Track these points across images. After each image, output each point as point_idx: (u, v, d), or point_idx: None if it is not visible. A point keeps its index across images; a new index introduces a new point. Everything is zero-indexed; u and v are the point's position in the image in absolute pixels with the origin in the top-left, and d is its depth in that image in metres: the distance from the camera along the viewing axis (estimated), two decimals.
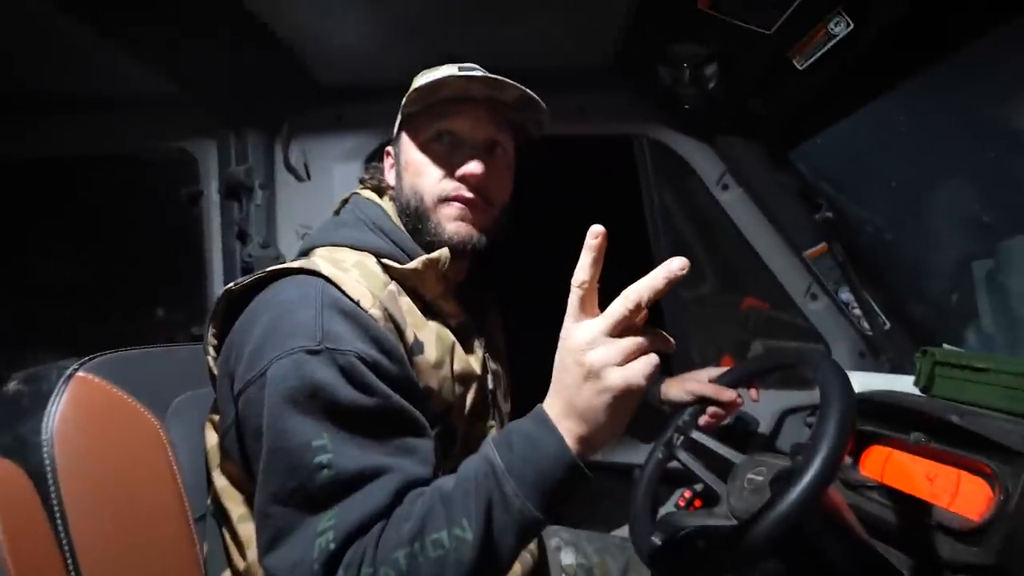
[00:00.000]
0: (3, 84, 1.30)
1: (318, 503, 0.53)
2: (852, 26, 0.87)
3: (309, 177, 1.39)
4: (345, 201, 0.84)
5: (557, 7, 1.05)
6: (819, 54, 0.94)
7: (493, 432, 0.85)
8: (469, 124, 0.75)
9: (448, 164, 0.74)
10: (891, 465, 0.87)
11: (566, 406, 0.50)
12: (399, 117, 0.79)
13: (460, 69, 0.76)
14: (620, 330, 0.48)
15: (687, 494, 1.13)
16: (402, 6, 1.05)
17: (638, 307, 0.48)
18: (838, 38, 0.90)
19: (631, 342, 0.49)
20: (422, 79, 0.76)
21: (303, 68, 1.27)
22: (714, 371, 1.00)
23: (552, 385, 0.52)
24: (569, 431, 0.50)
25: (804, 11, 0.89)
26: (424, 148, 0.76)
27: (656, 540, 0.90)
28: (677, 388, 1.01)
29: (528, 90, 0.73)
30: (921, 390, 0.94)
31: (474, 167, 0.72)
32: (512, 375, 0.96)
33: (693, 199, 1.41)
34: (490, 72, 0.82)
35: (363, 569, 0.50)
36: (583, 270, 0.49)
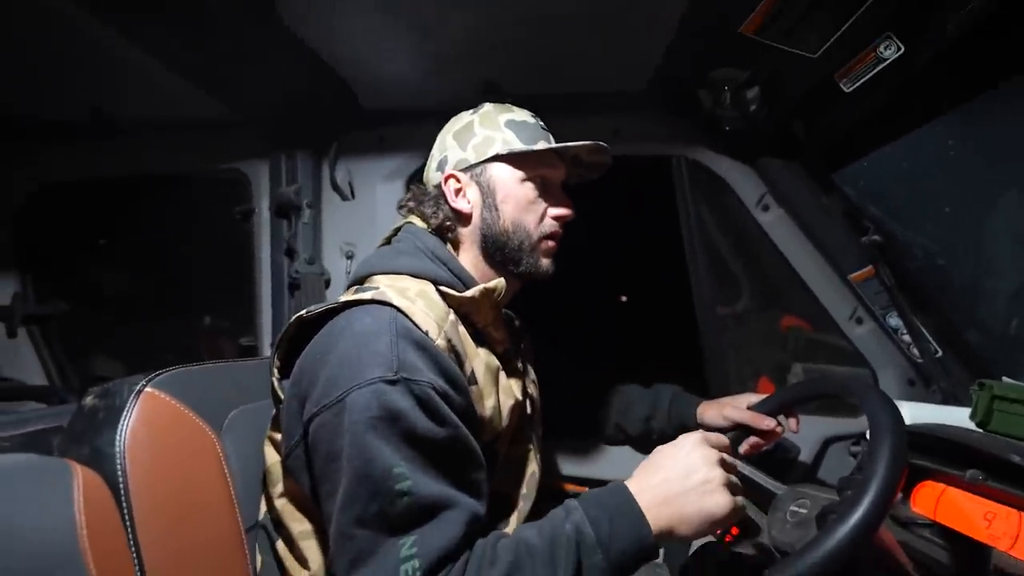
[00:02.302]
0: (75, 110, 1.40)
1: (398, 527, 0.56)
2: (903, 50, 0.86)
3: (353, 196, 1.44)
4: (397, 230, 0.87)
5: (596, 35, 1.07)
6: (867, 77, 0.93)
7: (531, 454, 0.86)
8: (559, 172, 0.87)
9: (546, 204, 0.84)
10: (945, 502, 0.83)
11: (663, 499, 0.59)
12: (482, 149, 0.82)
13: (536, 119, 0.87)
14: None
15: (727, 539, 1.10)
16: (445, 36, 1.09)
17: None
18: (888, 61, 0.88)
19: (737, 482, 0.61)
20: (507, 116, 0.84)
21: (350, 93, 1.33)
22: (753, 397, 0.98)
23: (651, 469, 0.61)
24: (657, 520, 0.58)
25: (852, 35, 0.88)
26: (526, 187, 0.83)
27: (693, 568, 0.88)
28: (714, 413, 1.00)
29: (608, 161, 0.88)
30: (978, 425, 0.89)
31: (569, 209, 0.85)
32: (543, 396, 0.97)
33: (731, 219, 1.39)
34: (530, 95, 0.92)
35: None
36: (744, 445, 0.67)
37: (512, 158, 0.82)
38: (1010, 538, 0.73)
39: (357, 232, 1.43)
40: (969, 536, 0.77)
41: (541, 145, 0.81)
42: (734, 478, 0.60)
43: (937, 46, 0.84)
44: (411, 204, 0.87)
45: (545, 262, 0.84)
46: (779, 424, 0.95)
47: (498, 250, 0.81)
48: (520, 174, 0.82)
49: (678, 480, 0.58)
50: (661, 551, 1.01)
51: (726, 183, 1.30)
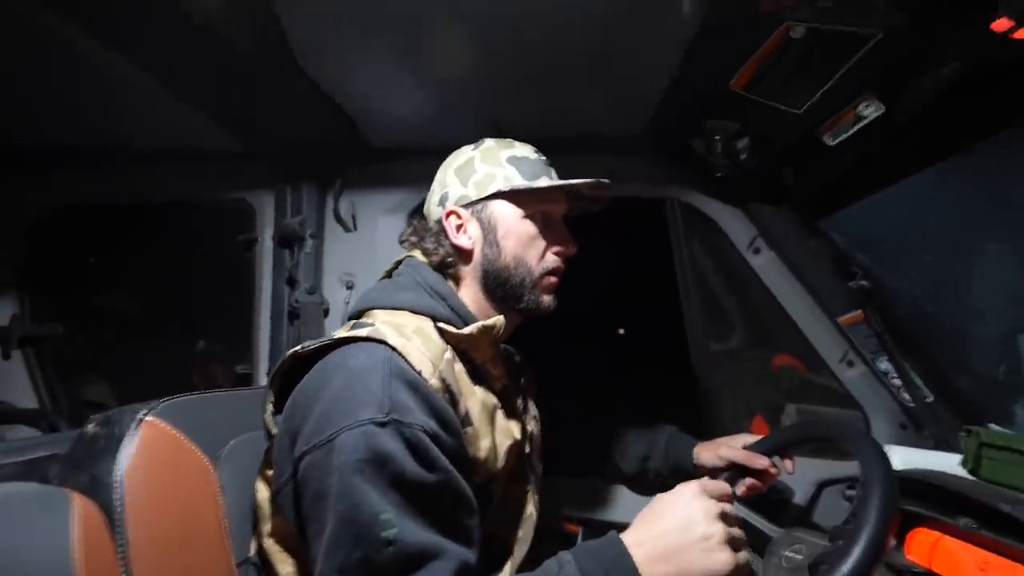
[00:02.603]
0: (88, 138, 1.44)
1: (382, 575, 0.55)
2: (883, 110, 0.91)
3: (356, 228, 1.47)
4: (398, 263, 0.87)
5: (594, 84, 1.12)
6: (848, 133, 0.98)
7: (529, 496, 0.85)
8: (562, 207, 0.88)
9: (547, 240, 0.85)
10: (940, 551, 0.83)
11: (661, 554, 0.57)
12: (484, 185, 0.83)
13: (538, 154, 0.88)
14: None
15: None
16: (449, 81, 1.14)
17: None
18: (868, 120, 0.94)
19: (743, 538, 0.59)
20: (509, 152, 0.86)
21: (356, 130, 1.37)
22: (749, 438, 0.99)
23: (649, 519, 0.60)
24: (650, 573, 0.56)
25: (834, 93, 0.94)
26: (528, 222, 0.84)
27: None
28: (709, 453, 1.00)
29: (609, 197, 0.91)
30: (969, 472, 0.90)
31: (573, 247, 0.87)
32: (545, 435, 0.97)
33: (723, 259, 1.43)
34: (528, 138, 0.93)
35: None
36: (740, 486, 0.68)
37: (513, 195, 0.82)
38: None
39: (357, 263, 1.45)
40: None
41: (543, 182, 0.82)
42: (737, 531, 0.58)
43: (916, 106, 0.90)
44: (413, 239, 0.88)
45: (546, 298, 0.84)
46: (774, 465, 0.95)
47: (499, 286, 0.81)
48: (521, 211, 0.82)
49: (677, 534, 0.57)
50: None
51: (718, 226, 1.34)
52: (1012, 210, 1.05)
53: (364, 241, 1.47)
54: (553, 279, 0.85)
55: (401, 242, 0.91)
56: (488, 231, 0.82)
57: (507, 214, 0.82)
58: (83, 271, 1.86)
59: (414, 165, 1.45)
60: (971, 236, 1.11)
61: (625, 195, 1.41)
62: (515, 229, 0.82)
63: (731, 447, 0.97)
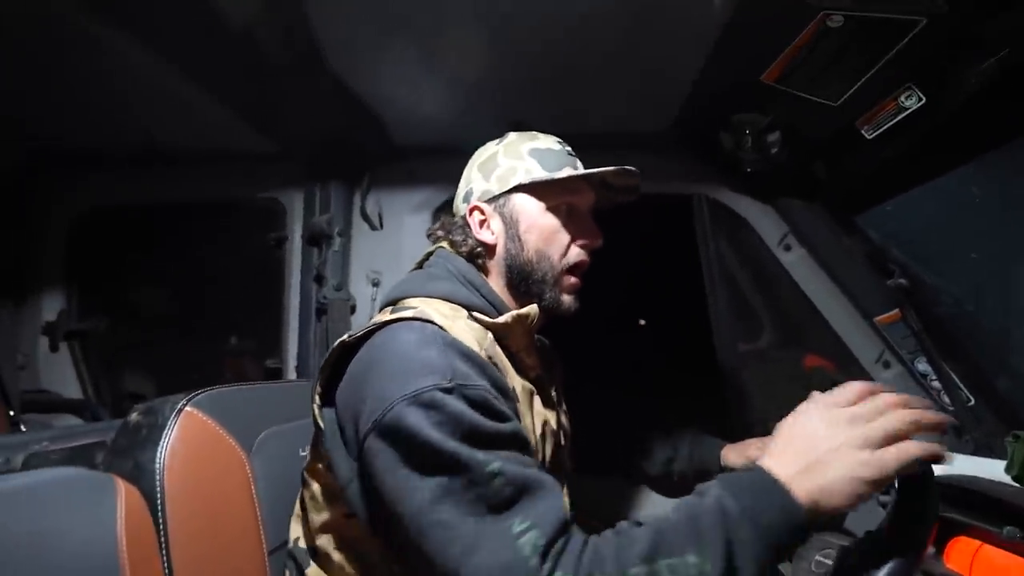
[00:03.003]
0: (125, 137, 1.50)
1: (501, 507, 0.55)
2: (924, 100, 0.88)
3: (382, 226, 1.50)
4: (429, 254, 0.87)
5: (618, 81, 1.11)
6: (888, 125, 0.95)
7: (564, 489, 0.85)
8: (587, 199, 0.85)
9: (571, 233, 0.82)
10: (980, 560, 0.80)
11: (805, 468, 0.52)
12: (506, 178, 0.82)
13: (563, 146, 0.86)
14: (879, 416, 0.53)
15: None
16: (474, 78, 1.15)
17: (917, 425, 0.53)
18: (909, 111, 0.90)
19: (895, 420, 0.52)
20: (531, 145, 0.85)
21: (383, 129, 1.40)
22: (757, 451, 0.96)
23: (783, 445, 0.55)
24: (802, 493, 0.51)
25: (873, 84, 0.90)
26: (548, 215, 0.81)
27: None
28: (737, 455, 0.99)
29: (639, 184, 0.86)
30: (1014, 478, 0.86)
31: (598, 240, 0.84)
32: (574, 431, 0.96)
33: (752, 257, 1.40)
34: (553, 134, 0.90)
35: (581, 571, 0.51)
36: (872, 393, 0.56)
37: (535, 187, 0.81)
38: None
39: (384, 261, 1.48)
40: None
41: (565, 172, 0.80)
42: (886, 421, 0.51)
43: (959, 97, 0.86)
44: (440, 233, 0.88)
45: (567, 299, 0.82)
46: None
47: (522, 281, 0.80)
48: (543, 204, 0.81)
49: (817, 450, 0.52)
50: None
51: (747, 222, 1.31)
52: None
53: (390, 239, 1.49)
54: (574, 280, 0.83)
55: (428, 236, 0.91)
56: (510, 225, 0.81)
57: (529, 207, 0.81)
58: (123, 269, 1.94)
59: (439, 164, 1.47)
60: (1012, 233, 1.05)
61: (652, 192, 1.40)
62: (537, 223, 0.80)
63: (759, 448, 0.95)
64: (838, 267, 1.21)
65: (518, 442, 0.62)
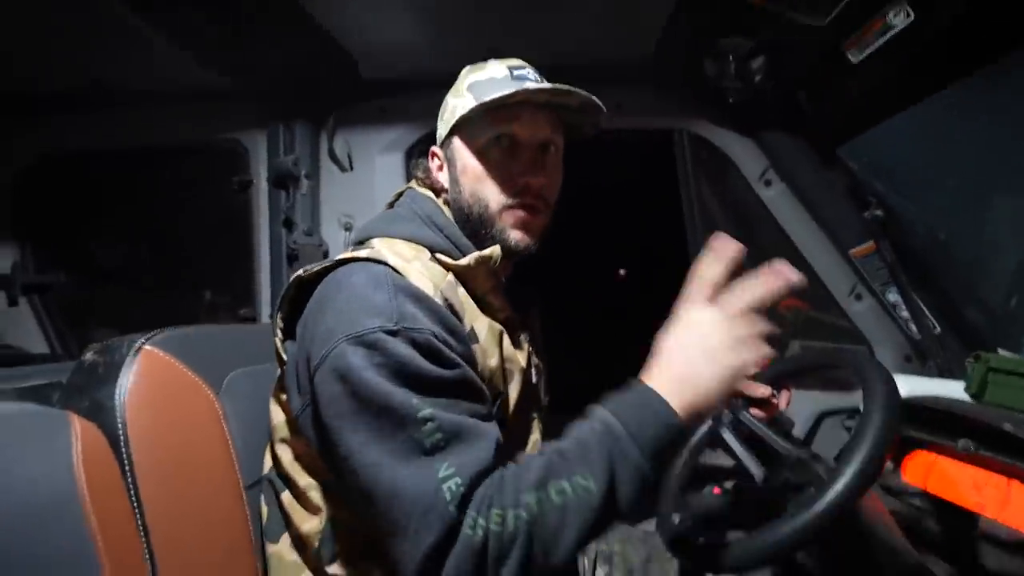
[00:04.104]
0: (75, 80, 1.39)
1: (429, 452, 0.56)
2: (913, 17, 0.84)
3: (352, 168, 1.43)
4: (400, 194, 0.85)
5: (599, 2, 1.04)
6: (875, 46, 0.91)
7: (536, 424, 0.86)
8: (528, 128, 0.75)
9: (509, 170, 0.75)
10: (935, 472, 0.85)
11: (677, 378, 0.56)
12: (450, 120, 0.77)
13: (511, 69, 0.77)
14: (741, 316, 0.54)
15: (716, 491, 1.12)
16: (444, 4, 1.07)
17: (758, 305, 0.54)
18: (897, 30, 0.87)
19: (751, 328, 0.54)
20: (473, 77, 0.78)
21: (349, 62, 1.31)
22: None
23: (658, 360, 0.58)
24: (678, 401, 0.55)
25: (861, 2, 0.86)
26: (483, 153, 0.75)
27: (682, 526, 0.89)
28: None
29: (592, 96, 0.73)
30: (972, 396, 0.90)
31: (538, 178, 0.75)
32: (550, 369, 0.97)
33: (733, 195, 1.38)
34: (529, 64, 0.82)
35: (492, 510, 0.53)
36: (710, 268, 0.56)
37: (466, 125, 0.76)
38: (999, 504, 0.74)
39: (355, 204, 1.42)
40: (958, 504, 0.78)
41: (487, 100, 0.70)
42: (739, 326, 0.54)
43: (949, 12, 0.83)
44: (417, 173, 0.86)
45: (514, 234, 0.75)
46: (774, 395, 0.95)
47: (466, 224, 0.77)
48: (477, 141, 0.75)
49: (685, 359, 0.55)
50: (652, 521, 1.03)
51: (728, 158, 1.28)
52: None
53: (362, 181, 1.43)
54: (520, 213, 0.75)
55: (413, 179, 0.88)
56: (451, 168, 0.79)
57: (460, 147, 0.77)
58: (82, 219, 1.85)
59: (411, 99, 1.39)
60: (990, 161, 1.05)
61: (633, 127, 1.36)
62: (470, 163, 0.76)
63: None
64: (817, 201, 1.21)
65: (461, 388, 0.62)
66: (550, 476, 0.54)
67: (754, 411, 0.95)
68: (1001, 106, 1.02)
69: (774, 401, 0.94)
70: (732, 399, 0.93)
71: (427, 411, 0.56)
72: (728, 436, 0.89)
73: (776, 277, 0.54)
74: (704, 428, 0.94)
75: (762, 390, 0.92)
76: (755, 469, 0.79)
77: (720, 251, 0.56)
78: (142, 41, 1.15)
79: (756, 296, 0.54)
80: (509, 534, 0.52)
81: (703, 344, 0.54)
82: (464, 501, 0.53)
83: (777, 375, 0.95)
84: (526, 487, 0.54)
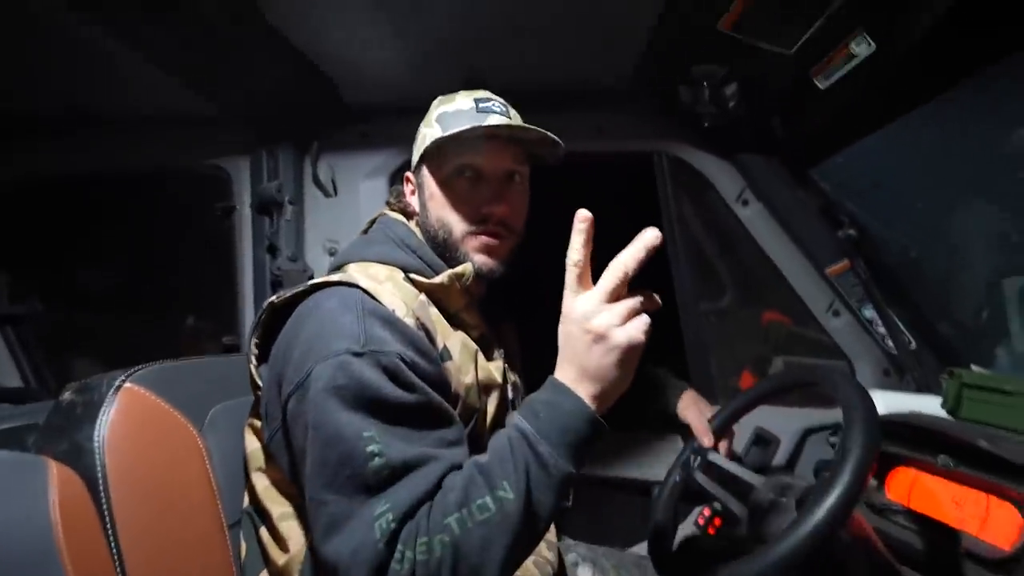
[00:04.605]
0: (52, 104, 1.38)
1: (371, 489, 0.56)
2: (874, 46, 0.88)
3: (336, 193, 1.43)
4: (373, 221, 0.88)
5: (578, 32, 1.07)
6: (840, 73, 0.95)
7: None
8: (491, 160, 0.78)
9: (472, 199, 0.78)
10: (918, 489, 0.86)
11: (578, 371, 0.57)
12: (419, 149, 0.81)
13: (477, 102, 0.79)
14: (614, 297, 0.56)
15: (706, 512, 1.12)
16: (426, 30, 1.09)
17: (625, 276, 0.55)
18: (860, 58, 0.91)
19: (626, 305, 0.56)
20: (441, 109, 0.81)
21: (332, 88, 1.32)
22: (709, 411, 1.00)
23: (560, 356, 0.59)
24: (584, 391, 0.57)
25: (826, 31, 0.90)
26: (447, 182, 0.79)
27: (677, 561, 0.90)
28: (685, 406, 1.03)
29: (548, 133, 0.77)
30: (948, 412, 0.92)
31: (500, 208, 0.77)
32: (528, 385, 0.98)
33: (712, 214, 1.41)
34: (511, 92, 0.87)
35: (418, 540, 0.53)
36: (576, 251, 0.56)
37: (434, 155, 0.79)
38: (979, 521, 0.76)
39: (340, 229, 1.42)
40: (940, 521, 0.79)
41: (446, 135, 0.75)
42: (618, 307, 0.55)
43: (907, 42, 0.87)
44: (391, 200, 0.91)
45: (478, 258, 0.78)
46: (725, 441, 0.97)
47: (435, 247, 0.80)
48: (443, 171, 0.79)
49: (581, 349, 0.56)
50: (645, 544, 1.03)
51: (706, 179, 1.31)
52: (994, 152, 1.04)
53: (346, 206, 1.43)
54: (483, 238, 0.78)
55: (388, 205, 0.92)
56: (421, 194, 0.83)
57: (430, 175, 0.81)
58: (60, 247, 1.81)
59: (394, 124, 1.40)
60: (955, 180, 1.10)
61: (613, 150, 1.38)
62: (436, 191, 0.79)
63: (695, 412, 0.99)
64: (793, 220, 1.24)
65: (423, 413, 0.63)
66: (471, 494, 0.55)
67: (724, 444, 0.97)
68: (969, 126, 1.07)
69: (716, 447, 0.96)
70: (698, 446, 0.96)
71: (376, 446, 0.56)
72: (702, 479, 0.91)
73: (636, 243, 0.55)
74: (676, 477, 0.97)
75: (706, 440, 0.94)
76: (736, 508, 0.81)
77: (580, 231, 0.56)
78: (123, 66, 1.15)
79: (620, 266, 0.55)
80: (435, 561, 0.53)
81: (588, 330, 0.55)
82: (394, 537, 0.53)
83: (760, 395, 0.96)
84: (449, 510, 0.54)
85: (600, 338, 0.55)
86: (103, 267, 1.93)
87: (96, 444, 0.62)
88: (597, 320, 0.55)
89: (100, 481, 0.61)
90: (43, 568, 0.53)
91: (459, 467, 0.60)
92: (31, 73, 1.22)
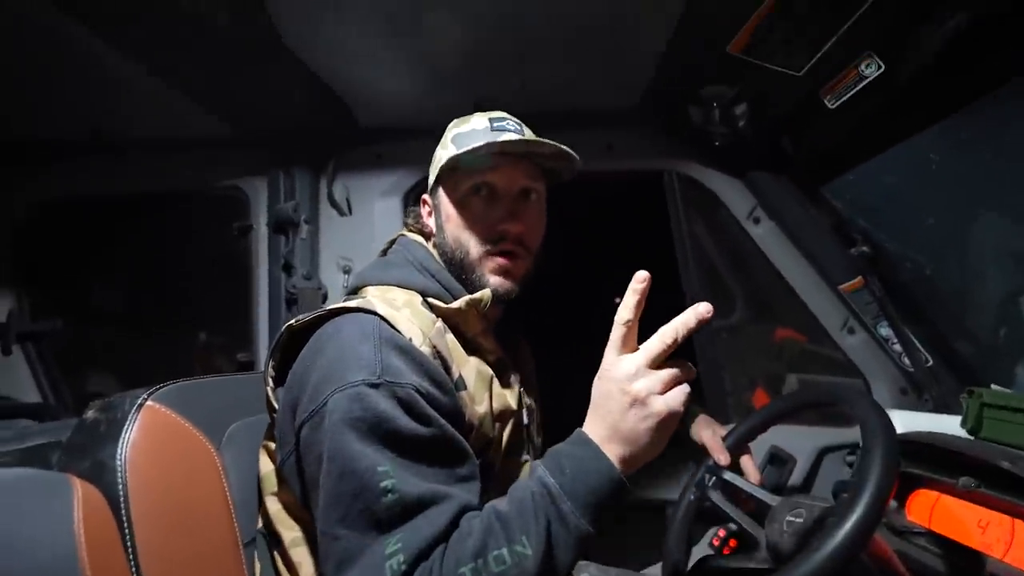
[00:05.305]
0: (73, 129, 1.42)
1: (384, 525, 0.55)
2: (883, 68, 0.89)
3: (351, 212, 1.46)
4: (392, 242, 0.89)
5: (588, 55, 1.10)
6: (850, 94, 0.96)
7: (527, 467, 0.86)
8: (506, 178, 0.79)
9: (488, 218, 0.78)
10: (939, 511, 0.84)
11: (610, 431, 0.56)
12: (435, 171, 0.82)
13: (492, 121, 0.81)
14: (658, 363, 0.55)
15: (721, 533, 1.11)
16: (439, 56, 1.12)
17: (674, 343, 0.55)
18: (869, 79, 0.92)
19: (669, 373, 0.55)
20: (456, 130, 0.82)
21: (347, 111, 1.35)
22: (723, 431, 0.98)
23: (592, 411, 0.58)
24: (614, 453, 0.56)
25: (835, 53, 0.91)
26: (463, 202, 0.79)
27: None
28: (700, 428, 1.02)
29: (562, 146, 0.77)
30: (968, 432, 0.91)
31: (515, 226, 0.77)
32: (543, 409, 0.97)
33: (723, 232, 1.42)
34: (522, 113, 0.88)
35: None
36: (628, 310, 0.56)
37: (449, 175, 0.80)
38: (1004, 544, 0.74)
39: (354, 247, 1.44)
40: (963, 544, 0.78)
41: (460, 152, 0.75)
42: (662, 374, 0.55)
43: (916, 64, 0.88)
44: (408, 221, 0.91)
45: (494, 280, 0.78)
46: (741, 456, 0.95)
47: (452, 268, 0.80)
48: (458, 191, 0.79)
49: (617, 409, 0.55)
50: (659, 567, 1.01)
51: (717, 197, 1.32)
52: (1009, 169, 1.04)
53: (360, 225, 1.46)
54: (499, 260, 0.78)
55: (406, 226, 0.92)
56: (438, 216, 0.83)
57: (445, 196, 0.81)
58: (80, 266, 1.85)
59: (407, 146, 1.43)
60: (970, 197, 1.09)
61: (623, 168, 1.40)
62: (453, 211, 0.80)
63: (709, 432, 0.98)
64: (805, 238, 1.24)
65: (437, 447, 0.62)
66: (488, 544, 0.54)
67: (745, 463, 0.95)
68: (982, 140, 1.07)
69: (744, 465, 0.94)
70: (712, 464, 0.95)
71: (390, 482, 0.56)
72: (717, 498, 0.89)
73: (688, 313, 0.55)
74: (690, 496, 0.95)
75: (723, 458, 0.93)
76: (751, 528, 0.80)
77: (636, 291, 0.55)
78: (142, 90, 1.19)
79: (670, 333, 0.54)
80: None
81: (627, 392, 0.54)
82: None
83: (776, 414, 0.96)
84: (465, 558, 0.54)
85: (639, 403, 0.54)
86: (120, 285, 1.97)
87: (119, 462, 0.63)
88: (638, 384, 0.54)
89: (122, 499, 0.62)
90: None
91: (472, 506, 0.60)
92: (52, 98, 1.26)
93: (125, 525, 0.61)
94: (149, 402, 0.70)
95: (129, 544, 0.61)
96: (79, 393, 1.69)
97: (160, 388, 0.73)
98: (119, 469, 0.63)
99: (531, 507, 0.55)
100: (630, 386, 0.54)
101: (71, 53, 1.03)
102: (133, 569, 0.61)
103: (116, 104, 1.30)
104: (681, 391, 0.55)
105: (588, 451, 0.56)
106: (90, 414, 0.69)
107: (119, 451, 0.64)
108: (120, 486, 0.62)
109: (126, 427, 0.66)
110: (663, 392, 0.54)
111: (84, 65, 1.09)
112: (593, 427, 0.58)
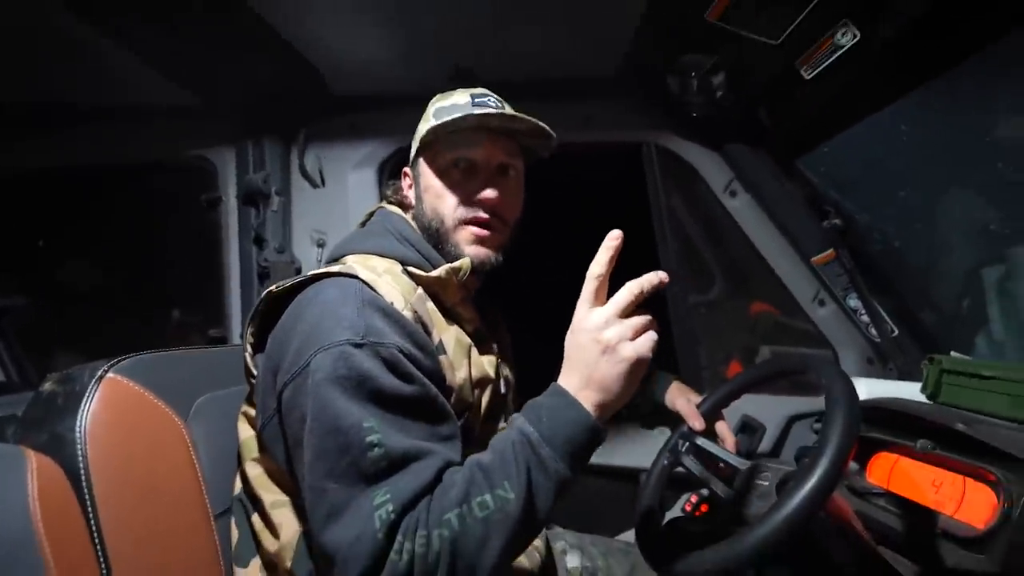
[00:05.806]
0: (33, 97, 1.35)
1: (371, 478, 0.56)
2: (858, 37, 0.89)
3: (324, 184, 1.42)
4: (371, 214, 0.89)
5: (566, 21, 1.07)
6: (826, 64, 0.96)
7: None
8: (484, 152, 0.80)
9: (465, 189, 0.79)
10: (897, 472, 0.88)
11: (584, 380, 0.58)
12: (415, 144, 0.83)
13: (473, 97, 0.81)
14: (626, 314, 0.58)
15: (693, 499, 1.14)
16: (414, 20, 1.08)
17: (640, 295, 0.58)
18: (845, 48, 0.91)
19: (638, 320, 0.59)
20: (438, 104, 0.83)
21: (319, 78, 1.30)
22: (697, 398, 1.00)
23: (566, 364, 0.60)
24: (588, 400, 0.58)
25: (811, 22, 0.91)
26: (442, 174, 0.81)
27: (662, 544, 0.91)
28: (674, 396, 1.03)
29: (539, 122, 0.79)
30: (928, 397, 0.94)
31: (490, 193, 0.78)
32: (519, 379, 0.98)
33: (701, 205, 1.42)
34: (500, 82, 0.87)
35: (418, 532, 0.54)
36: (600, 265, 0.59)
37: (429, 147, 0.82)
38: (955, 502, 0.77)
39: (328, 220, 1.41)
40: (919, 503, 0.81)
41: (438, 124, 0.76)
42: (631, 321, 0.58)
43: (892, 32, 0.87)
44: (388, 192, 0.91)
45: (469, 249, 0.79)
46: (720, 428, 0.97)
47: (430, 238, 0.81)
48: (437, 163, 0.81)
49: (590, 358, 0.58)
50: (632, 532, 1.04)
51: (695, 170, 1.32)
52: (974, 144, 1.06)
53: (334, 197, 1.42)
54: (474, 229, 0.79)
55: (384, 199, 0.92)
56: (417, 187, 0.85)
57: (424, 167, 0.83)
58: (44, 240, 1.78)
59: (382, 115, 1.39)
60: (937, 169, 1.11)
61: (601, 140, 1.39)
62: (431, 182, 0.82)
63: (684, 399, 1.00)
64: (780, 211, 1.25)
65: (420, 405, 0.63)
66: (471, 492, 0.56)
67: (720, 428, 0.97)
68: (951, 116, 1.08)
69: (706, 430, 0.96)
70: (686, 430, 0.97)
71: (375, 436, 0.57)
72: (690, 462, 0.92)
73: (652, 274, 0.58)
74: (664, 460, 0.97)
75: (697, 424, 0.95)
76: (722, 491, 0.82)
77: (609, 248, 0.58)
78: (106, 58, 1.13)
79: (636, 286, 0.58)
80: (434, 554, 0.54)
81: (599, 341, 0.57)
82: (393, 527, 0.54)
83: (747, 382, 0.97)
84: (449, 505, 0.55)
85: (610, 349, 0.57)
86: (86, 260, 1.90)
87: (78, 435, 0.61)
88: (608, 332, 0.57)
89: (82, 472, 0.60)
90: (22, 558, 0.52)
91: (454, 463, 0.61)
92: (14, 66, 1.19)
93: (87, 499, 0.60)
94: (110, 374, 0.68)
95: (92, 518, 0.60)
96: (46, 371, 1.64)
97: (122, 360, 0.71)
98: (78, 442, 0.61)
99: (511, 455, 0.57)
100: (601, 335, 0.57)
101: (33, 19, 0.97)
102: (97, 543, 0.60)
103: (78, 72, 1.23)
104: (649, 338, 0.58)
105: (563, 400, 0.58)
106: (47, 386, 0.67)
107: (78, 423, 0.62)
108: (80, 459, 0.61)
109: (85, 399, 0.64)
110: (633, 339, 0.57)
111: (46, 32, 1.03)
112: (567, 378, 0.60)
